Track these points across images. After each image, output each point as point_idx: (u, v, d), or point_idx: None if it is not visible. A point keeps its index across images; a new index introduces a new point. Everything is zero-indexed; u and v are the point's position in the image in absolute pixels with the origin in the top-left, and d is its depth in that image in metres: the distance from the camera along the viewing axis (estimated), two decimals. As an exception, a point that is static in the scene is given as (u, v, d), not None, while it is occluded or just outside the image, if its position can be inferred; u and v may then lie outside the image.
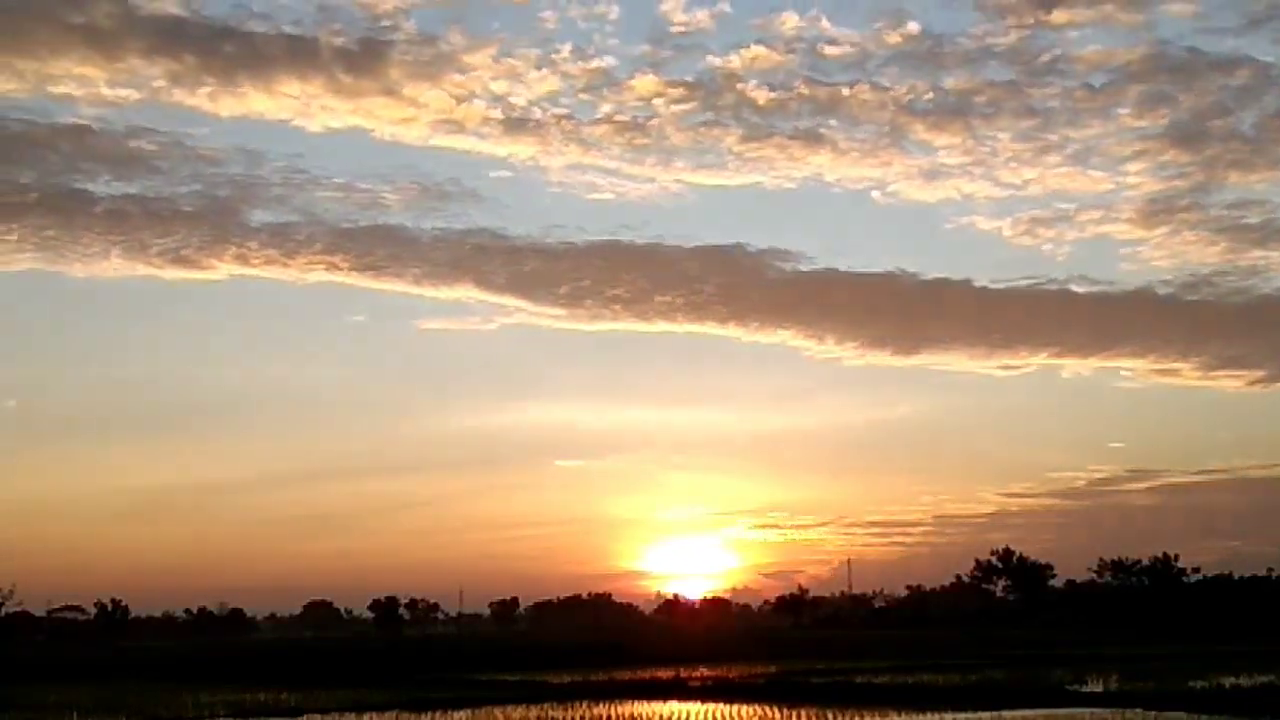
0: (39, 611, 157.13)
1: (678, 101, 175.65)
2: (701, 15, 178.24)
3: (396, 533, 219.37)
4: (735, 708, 31.25)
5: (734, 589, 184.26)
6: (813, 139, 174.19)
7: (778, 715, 28.93)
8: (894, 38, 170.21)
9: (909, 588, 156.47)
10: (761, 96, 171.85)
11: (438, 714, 31.49)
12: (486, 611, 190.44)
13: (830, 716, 28.16)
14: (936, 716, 28.44)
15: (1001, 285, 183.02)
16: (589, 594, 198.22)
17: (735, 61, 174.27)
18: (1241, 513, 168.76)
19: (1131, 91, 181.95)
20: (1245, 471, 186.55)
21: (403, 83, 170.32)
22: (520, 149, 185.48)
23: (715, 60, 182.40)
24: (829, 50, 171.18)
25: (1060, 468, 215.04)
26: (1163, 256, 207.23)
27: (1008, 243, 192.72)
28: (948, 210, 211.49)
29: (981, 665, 47.07)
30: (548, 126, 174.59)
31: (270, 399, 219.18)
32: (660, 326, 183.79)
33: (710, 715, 29.96)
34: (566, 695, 35.63)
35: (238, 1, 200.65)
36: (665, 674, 44.16)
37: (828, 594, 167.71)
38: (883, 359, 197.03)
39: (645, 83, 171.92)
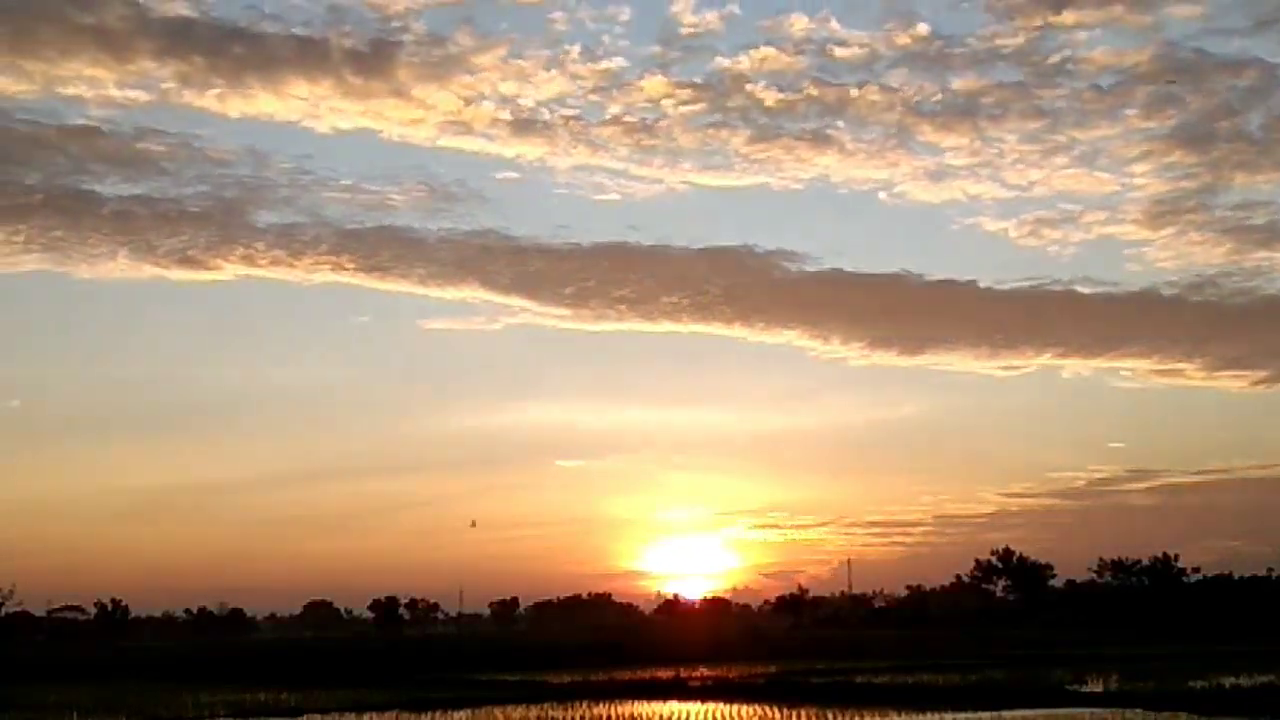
0: (39, 611, 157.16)
1: (686, 103, 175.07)
2: (711, 17, 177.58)
3: (397, 533, 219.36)
4: (735, 708, 31.27)
5: (734, 589, 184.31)
6: (820, 140, 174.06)
7: (778, 715, 28.95)
8: (903, 39, 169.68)
9: (909, 588, 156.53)
10: (770, 98, 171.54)
11: (438, 714, 31.52)
12: (486, 611, 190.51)
13: (830, 716, 28.18)
14: (936, 716, 28.46)
15: (1007, 286, 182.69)
16: (589, 594, 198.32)
17: (744, 63, 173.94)
18: (1241, 513, 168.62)
19: (1139, 93, 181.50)
20: (1245, 471, 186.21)
21: (411, 84, 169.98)
22: (528, 150, 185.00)
23: (724, 61, 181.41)
24: (838, 51, 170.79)
25: (1060, 468, 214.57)
26: (1168, 257, 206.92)
27: (1013, 244, 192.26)
28: (954, 211, 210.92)
29: (981, 665, 47.11)
30: (556, 128, 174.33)
31: (273, 399, 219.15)
32: (665, 327, 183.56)
33: (710, 715, 29.98)
34: (566, 695, 35.65)
35: (249, 3, 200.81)
36: (665, 674, 44.19)
37: (828, 594, 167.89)
38: (888, 359, 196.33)
39: (654, 84, 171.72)
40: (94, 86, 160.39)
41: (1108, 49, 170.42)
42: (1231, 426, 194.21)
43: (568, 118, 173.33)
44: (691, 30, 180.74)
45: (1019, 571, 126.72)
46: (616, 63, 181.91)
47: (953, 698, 32.21)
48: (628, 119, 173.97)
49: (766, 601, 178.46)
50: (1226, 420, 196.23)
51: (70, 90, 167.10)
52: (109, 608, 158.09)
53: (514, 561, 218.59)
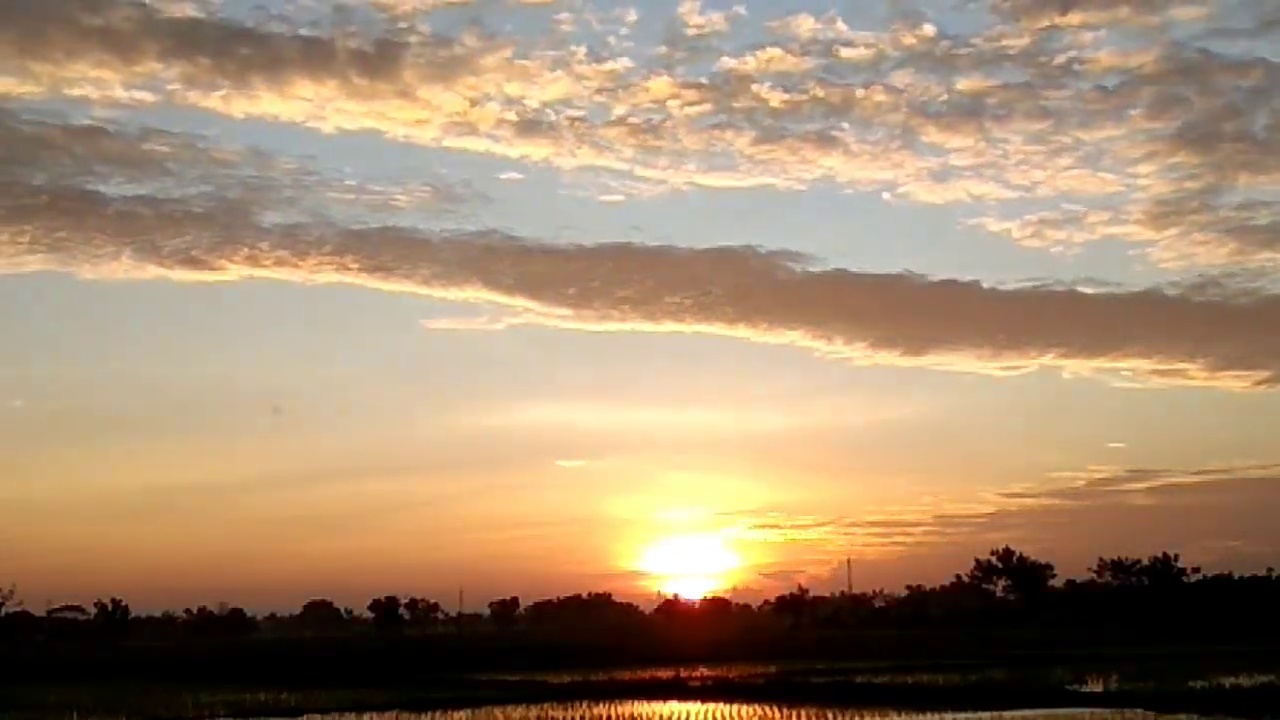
0: (39, 611, 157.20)
1: (691, 104, 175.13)
2: (717, 17, 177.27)
3: (397, 533, 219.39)
4: (735, 708, 31.27)
5: (734, 589, 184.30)
6: (825, 141, 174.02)
7: (778, 715, 28.95)
8: (909, 39, 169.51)
9: (909, 588, 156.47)
10: (775, 98, 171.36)
11: (438, 714, 31.52)
12: (486, 611, 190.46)
13: (830, 716, 28.18)
14: (936, 716, 28.46)
15: (1010, 286, 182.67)
16: (589, 594, 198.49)
17: (750, 63, 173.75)
18: (1242, 513, 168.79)
19: (1144, 93, 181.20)
20: (1246, 471, 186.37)
21: (416, 85, 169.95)
22: (533, 150, 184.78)
23: (730, 62, 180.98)
24: (844, 52, 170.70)
25: (1060, 468, 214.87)
26: (1171, 258, 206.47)
27: (1017, 244, 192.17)
28: (957, 212, 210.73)
29: (981, 665, 47.10)
30: (561, 128, 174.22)
31: (276, 399, 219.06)
32: (668, 327, 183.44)
33: (710, 715, 29.98)
34: (566, 695, 35.66)
35: (256, 3, 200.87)
36: (665, 674, 44.20)
37: (828, 594, 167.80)
38: (891, 359, 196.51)
39: (659, 85, 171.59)
40: (100, 87, 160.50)
41: (1113, 50, 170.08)
42: (1232, 427, 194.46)
43: (573, 118, 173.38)
44: (697, 31, 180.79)
45: (1019, 571, 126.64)
46: (622, 63, 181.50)
47: (953, 698, 32.20)
48: (633, 120, 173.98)
49: (766, 601, 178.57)
50: (1227, 420, 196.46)
51: (76, 91, 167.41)
52: (109, 608, 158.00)
53: (514, 561, 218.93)
